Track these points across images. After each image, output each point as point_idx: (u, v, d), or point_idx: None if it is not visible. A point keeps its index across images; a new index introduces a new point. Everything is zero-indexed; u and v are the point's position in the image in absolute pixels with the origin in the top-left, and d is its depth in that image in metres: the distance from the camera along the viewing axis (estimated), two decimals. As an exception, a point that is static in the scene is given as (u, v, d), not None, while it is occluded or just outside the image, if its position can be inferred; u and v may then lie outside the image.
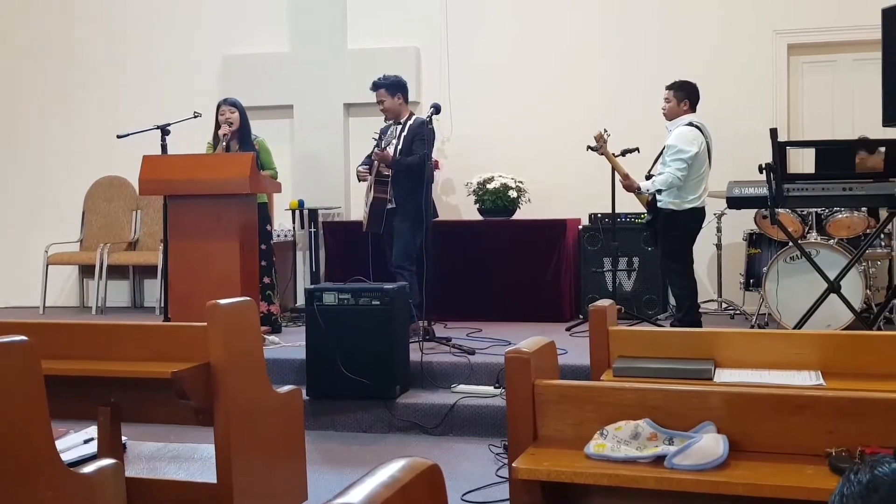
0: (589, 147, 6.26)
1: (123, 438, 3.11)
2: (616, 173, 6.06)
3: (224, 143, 6.20)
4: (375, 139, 6.13)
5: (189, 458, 3.12)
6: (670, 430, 2.04)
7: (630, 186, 5.99)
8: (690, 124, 5.85)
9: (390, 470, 1.16)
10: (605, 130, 6.11)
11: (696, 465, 1.93)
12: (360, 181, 6.30)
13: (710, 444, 1.94)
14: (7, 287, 8.33)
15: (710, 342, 2.88)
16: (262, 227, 6.23)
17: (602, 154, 6.07)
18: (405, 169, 5.94)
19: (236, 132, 6.29)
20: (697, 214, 5.90)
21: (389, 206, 6.01)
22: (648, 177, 6.07)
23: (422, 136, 5.98)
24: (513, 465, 2.03)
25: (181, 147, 6.25)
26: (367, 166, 6.15)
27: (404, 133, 6.10)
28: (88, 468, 2.05)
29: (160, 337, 2.96)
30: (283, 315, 6.76)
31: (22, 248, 8.31)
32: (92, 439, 3.02)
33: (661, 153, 5.96)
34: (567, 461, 2.01)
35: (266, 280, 6.30)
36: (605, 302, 3.04)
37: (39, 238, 8.07)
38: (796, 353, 2.77)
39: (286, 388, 3.19)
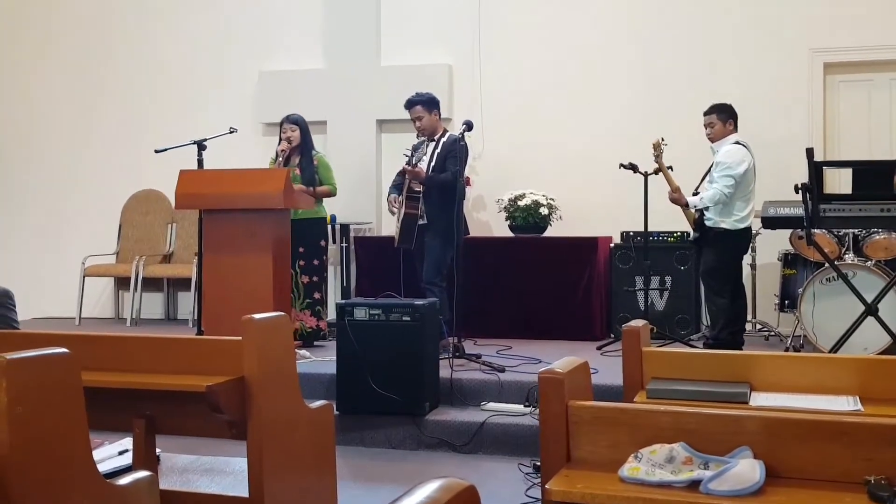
0: (621, 165, 6.27)
1: (157, 451, 3.14)
2: (667, 184, 6.01)
3: (281, 159, 6.33)
4: (407, 155, 6.15)
5: (221, 471, 3.14)
6: (706, 455, 2.02)
7: (678, 200, 5.98)
8: (738, 143, 5.87)
9: (428, 490, 1.16)
10: (662, 139, 6.09)
11: (732, 491, 1.91)
12: (391, 212, 6.36)
13: (746, 469, 1.92)
14: (44, 297, 8.44)
15: (746, 365, 2.86)
16: (318, 243, 6.35)
17: (657, 162, 6.05)
18: (437, 185, 5.96)
19: (297, 148, 6.43)
20: (746, 235, 5.91)
21: (421, 221, 6.03)
22: (695, 194, 6.07)
23: (454, 153, 5.99)
24: (546, 486, 2.02)
25: (217, 162, 6.33)
26: (398, 186, 6.19)
27: (437, 150, 6.12)
28: (124, 480, 2.07)
29: (195, 350, 2.98)
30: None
31: (59, 259, 8.44)
32: (126, 451, 3.04)
33: (708, 171, 5.96)
34: (601, 484, 2.00)
35: (317, 295, 6.37)
36: (638, 322, 3.02)
37: (77, 250, 8.20)
38: (833, 377, 2.74)
39: (318, 402, 3.20)
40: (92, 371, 2.92)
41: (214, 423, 2.85)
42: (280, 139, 6.47)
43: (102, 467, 3.03)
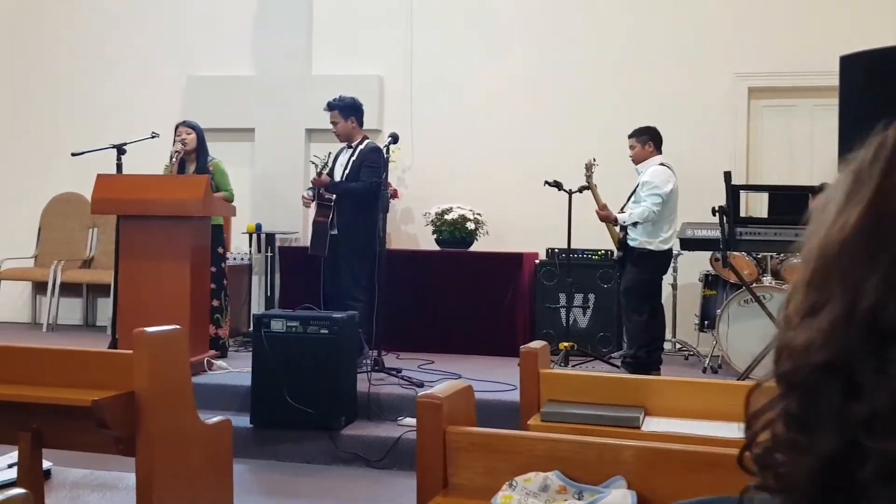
0: (546, 182, 6.29)
1: (49, 464, 3.04)
2: (595, 202, 6.06)
3: (175, 161, 6.17)
4: (315, 163, 6.09)
5: (113, 486, 3.05)
6: (580, 484, 2.02)
7: (607, 217, 6.01)
8: (663, 164, 5.93)
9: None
10: (594, 160, 6.14)
11: (601, 521, 1.91)
12: (304, 206, 6.32)
13: (617, 500, 1.93)
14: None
15: (642, 390, 2.88)
16: (214, 250, 6.17)
17: (588, 180, 6.08)
18: (344, 193, 5.91)
19: (192, 152, 6.26)
20: (668, 256, 5.98)
21: (332, 232, 5.97)
22: (620, 212, 6.12)
23: (371, 162, 5.95)
24: (418, 514, 2.00)
25: (143, 167, 6.19)
26: (312, 191, 6.14)
27: (353, 158, 6.07)
28: (-8, 500, 1.99)
29: (86, 363, 2.90)
30: (233, 339, 6.69)
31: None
32: (15, 464, 2.94)
33: (633, 192, 6.01)
34: (473, 512, 1.99)
35: (215, 303, 6.24)
36: (537, 344, 3.02)
37: (-6, 252, 7.95)
38: (727, 403, 2.76)
39: (215, 418, 3.14)
40: (-25, 383, 2.84)
41: (104, 438, 2.77)
42: (174, 142, 6.28)
43: (-14, 482, 2.94)
